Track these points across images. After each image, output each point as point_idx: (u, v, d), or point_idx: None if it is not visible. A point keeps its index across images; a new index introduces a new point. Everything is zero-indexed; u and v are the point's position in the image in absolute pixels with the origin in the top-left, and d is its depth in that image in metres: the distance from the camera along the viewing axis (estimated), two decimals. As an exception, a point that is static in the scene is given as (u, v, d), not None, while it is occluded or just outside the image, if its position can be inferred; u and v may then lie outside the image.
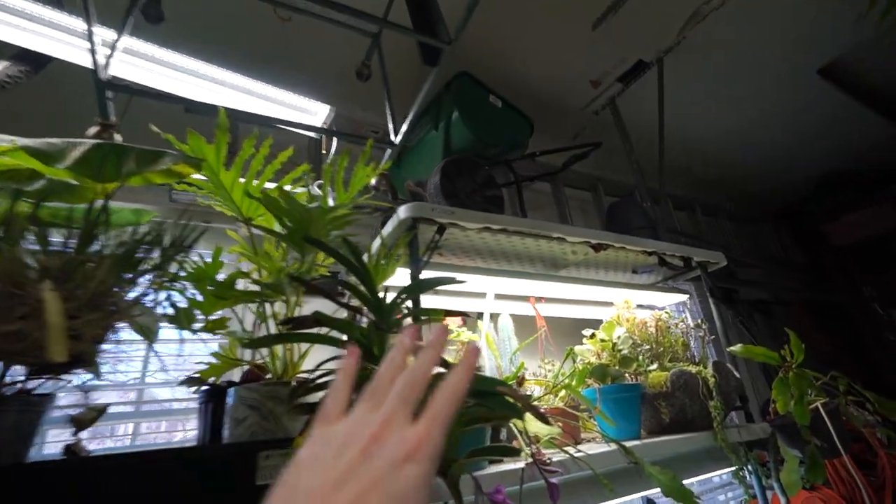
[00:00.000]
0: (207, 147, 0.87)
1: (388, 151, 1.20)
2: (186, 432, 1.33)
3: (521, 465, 0.86)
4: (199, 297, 0.85)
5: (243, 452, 0.75)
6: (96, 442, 1.27)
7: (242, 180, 0.89)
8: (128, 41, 1.07)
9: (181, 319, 0.86)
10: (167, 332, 0.87)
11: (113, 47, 1.01)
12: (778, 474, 1.36)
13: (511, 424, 1.11)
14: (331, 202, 0.95)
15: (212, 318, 0.90)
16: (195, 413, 1.08)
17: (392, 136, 1.21)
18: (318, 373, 0.87)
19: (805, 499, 1.81)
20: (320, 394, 0.79)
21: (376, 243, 1.10)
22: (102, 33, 1.07)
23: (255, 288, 0.88)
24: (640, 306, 1.71)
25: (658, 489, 1.01)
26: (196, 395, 0.94)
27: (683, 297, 1.66)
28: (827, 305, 3.16)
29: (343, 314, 0.82)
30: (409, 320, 0.99)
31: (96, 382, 0.70)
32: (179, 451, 0.68)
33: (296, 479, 0.28)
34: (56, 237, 0.67)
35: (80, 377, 0.68)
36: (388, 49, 1.45)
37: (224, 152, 0.89)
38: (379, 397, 0.32)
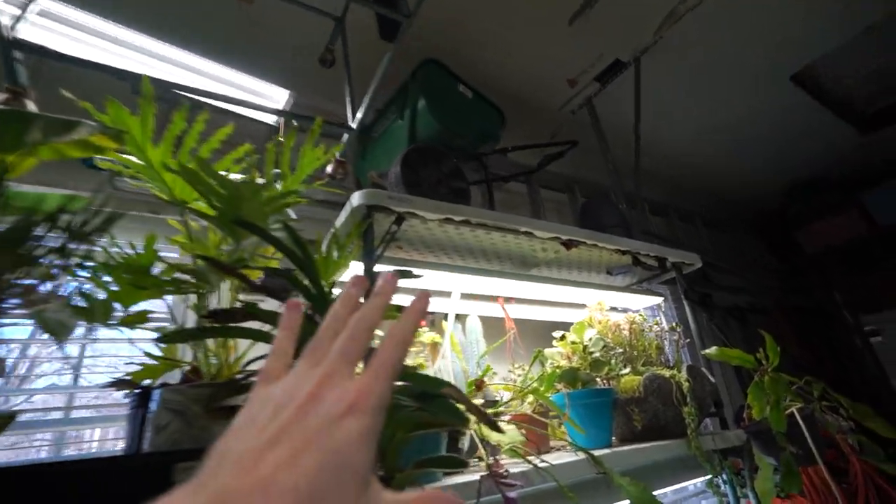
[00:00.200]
0: (131, 119, 0.77)
1: (346, 136, 1.11)
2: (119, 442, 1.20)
3: (478, 476, 0.78)
4: (115, 287, 0.74)
5: (152, 465, 0.65)
6: (17, 452, 1.14)
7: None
8: (53, 6, 0.96)
9: (94, 312, 0.76)
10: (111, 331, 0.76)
11: (24, 7, 0.91)
12: (752, 482, 1.30)
13: (472, 432, 1.02)
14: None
15: (132, 310, 0.79)
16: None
17: (350, 121, 1.12)
18: (246, 372, 0.77)
19: (779, 507, 1.76)
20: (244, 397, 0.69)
21: (330, 235, 1.01)
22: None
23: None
24: (614, 309, 1.65)
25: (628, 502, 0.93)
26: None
27: (658, 300, 1.60)
28: (800, 311, 3.17)
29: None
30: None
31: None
32: (62, 464, 0.57)
33: (227, 444, 0.25)
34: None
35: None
36: (354, 38, 1.36)
37: (151, 125, 0.78)
38: (320, 353, 0.29)
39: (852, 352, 3.13)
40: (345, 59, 1.22)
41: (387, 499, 0.26)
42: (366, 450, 0.25)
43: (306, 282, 0.82)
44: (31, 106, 0.82)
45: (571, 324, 1.40)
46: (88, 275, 0.73)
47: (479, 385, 0.93)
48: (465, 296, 1.40)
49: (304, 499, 0.21)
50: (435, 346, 1.26)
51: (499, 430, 0.53)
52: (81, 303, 0.75)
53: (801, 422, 1.23)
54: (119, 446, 1.26)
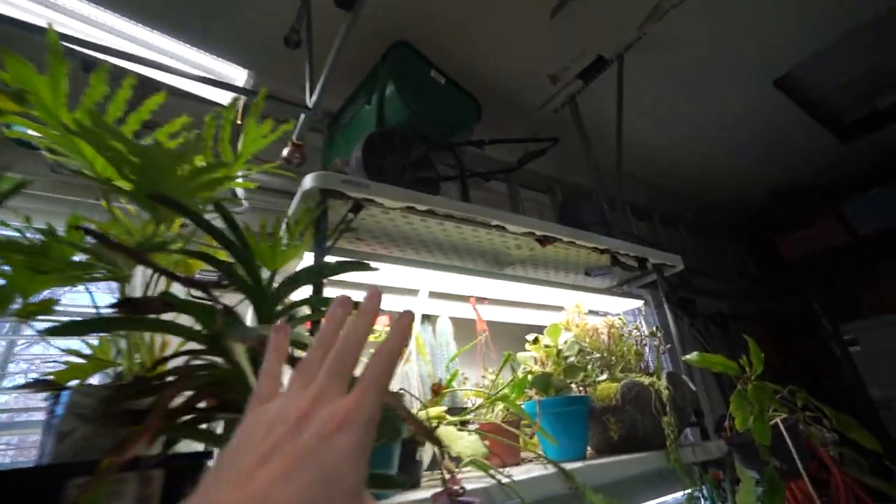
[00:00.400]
0: (38, 78, 0.66)
1: (302, 117, 1.02)
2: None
3: (430, 494, 0.68)
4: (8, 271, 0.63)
5: (38, 481, 0.54)
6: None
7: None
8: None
9: (-17, 301, 0.64)
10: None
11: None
12: (734, 495, 1.23)
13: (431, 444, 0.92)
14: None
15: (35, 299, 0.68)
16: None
17: (307, 100, 1.02)
18: (159, 371, 0.66)
19: (760, 521, 1.69)
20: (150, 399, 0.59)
21: (275, 221, 0.90)
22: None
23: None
24: (593, 312, 1.57)
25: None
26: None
27: (638, 303, 1.52)
28: (779, 319, 3.14)
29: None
30: (304, 312, 0.80)
31: None
32: None
33: (222, 462, 0.26)
34: None
35: None
36: (321, 19, 1.26)
37: (64, 87, 0.68)
38: (310, 373, 0.30)
39: (830, 360, 3.10)
40: (307, 33, 1.13)
41: None
42: (357, 465, 0.25)
43: (241, 270, 0.73)
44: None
45: (547, 327, 1.32)
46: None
47: (434, 390, 0.84)
48: (435, 295, 1.30)
49: None
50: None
51: (437, 442, 0.44)
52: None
53: (785, 433, 1.16)
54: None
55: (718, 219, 3.31)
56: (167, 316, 0.61)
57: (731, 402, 0.98)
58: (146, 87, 1.26)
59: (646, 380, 1.16)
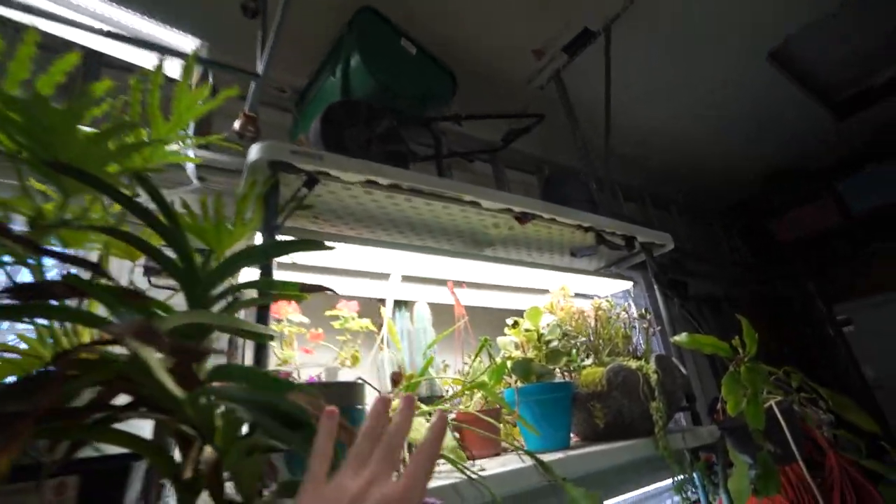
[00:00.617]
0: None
1: (253, 86, 0.92)
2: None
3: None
4: None
5: None
6: None
7: None
8: None
9: None
10: None
11: None
12: (726, 481, 1.16)
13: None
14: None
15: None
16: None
17: (258, 67, 0.92)
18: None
19: (753, 505, 1.63)
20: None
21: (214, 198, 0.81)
22: None
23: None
24: (580, 295, 1.49)
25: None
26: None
27: (627, 285, 1.44)
28: (773, 301, 3.07)
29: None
30: (251, 295, 0.72)
31: None
32: None
33: None
34: None
35: None
36: None
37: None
38: (362, 459, 0.36)
39: (824, 342, 3.05)
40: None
41: None
42: None
43: (169, 251, 0.64)
44: None
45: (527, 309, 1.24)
46: None
47: (394, 379, 0.75)
48: (410, 279, 1.22)
49: None
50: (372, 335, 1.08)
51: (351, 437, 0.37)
52: None
53: (779, 416, 1.09)
54: None
55: (711, 201, 3.22)
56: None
57: (723, 384, 0.90)
58: (90, 60, 1.16)
59: (633, 364, 1.09)
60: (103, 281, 0.53)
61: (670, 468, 1.10)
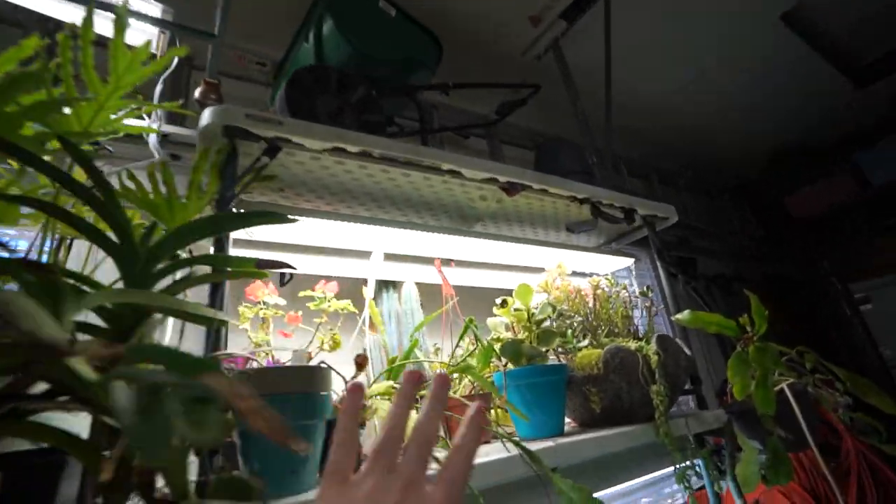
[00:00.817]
0: None
1: (211, 49, 0.84)
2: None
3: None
4: None
5: None
6: None
7: None
8: None
9: None
10: None
11: None
12: (733, 468, 1.08)
13: (376, 422, 0.77)
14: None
15: None
16: None
17: (215, 28, 0.84)
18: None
19: (763, 492, 1.55)
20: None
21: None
22: None
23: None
24: (578, 274, 1.40)
25: None
26: None
27: (628, 262, 1.35)
28: (786, 280, 2.95)
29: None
30: (196, 272, 0.65)
31: None
32: None
33: None
34: None
35: None
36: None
37: None
38: (392, 455, 0.31)
39: (839, 321, 2.92)
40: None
41: None
42: None
43: (101, 224, 0.57)
44: None
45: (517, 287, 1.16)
46: None
47: (358, 362, 0.68)
48: (397, 258, 1.14)
49: None
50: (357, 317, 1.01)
51: (281, 437, 0.30)
52: None
53: (792, 400, 1.00)
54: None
55: (720, 175, 3.07)
56: None
57: (729, 366, 0.82)
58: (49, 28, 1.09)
59: (632, 345, 1.00)
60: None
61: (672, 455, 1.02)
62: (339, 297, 0.96)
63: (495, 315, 1.04)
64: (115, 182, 0.64)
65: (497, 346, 0.94)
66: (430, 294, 1.25)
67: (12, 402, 0.45)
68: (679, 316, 0.90)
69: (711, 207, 2.97)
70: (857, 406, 1.31)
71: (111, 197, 0.56)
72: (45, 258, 0.57)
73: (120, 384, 0.33)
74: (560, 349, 1.08)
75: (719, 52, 2.07)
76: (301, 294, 0.89)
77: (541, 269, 1.29)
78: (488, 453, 0.76)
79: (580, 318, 1.13)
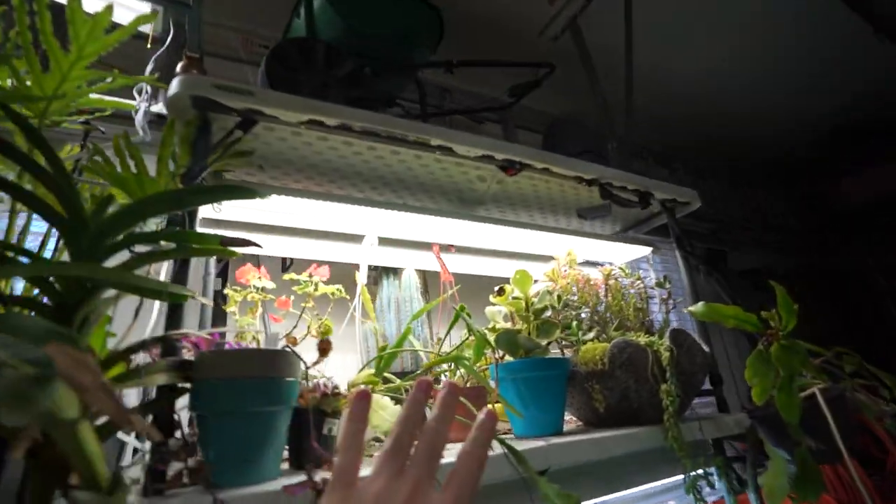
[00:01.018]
0: None
1: (188, 21, 0.80)
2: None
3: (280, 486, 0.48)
4: None
5: None
6: None
7: None
8: None
9: None
10: None
11: None
12: (755, 478, 0.97)
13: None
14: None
15: None
16: None
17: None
18: None
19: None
20: None
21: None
22: None
23: None
24: (590, 263, 1.31)
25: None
26: None
27: (645, 251, 1.25)
28: (826, 276, 2.71)
29: None
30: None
31: None
32: None
33: None
34: None
35: None
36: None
37: None
38: (400, 459, 0.31)
39: (885, 321, 2.66)
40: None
41: None
42: None
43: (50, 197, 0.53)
44: None
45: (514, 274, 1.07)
46: None
47: (321, 348, 0.63)
48: (394, 242, 1.08)
49: None
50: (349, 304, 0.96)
51: (128, 423, 0.24)
52: None
53: (824, 406, 0.89)
54: None
55: (757, 164, 2.85)
56: None
57: (747, 366, 0.71)
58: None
59: (642, 339, 0.91)
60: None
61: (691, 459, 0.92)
62: (333, 282, 0.91)
63: (493, 304, 0.97)
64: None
65: (492, 337, 0.87)
66: (434, 282, 1.19)
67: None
68: (693, 308, 0.81)
69: (745, 196, 2.77)
70: (904, 415, 1.16)
71: (58, 167, 0.52)
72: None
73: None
74: (564, 342, 1.00)
75: (757, 25, 1.89)
76: (285, 277, 0.85)
77: (551, 258, 1.21)
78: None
79: (588, 310, 1.04)
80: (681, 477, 0.90)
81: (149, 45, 1.03)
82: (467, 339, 0.87)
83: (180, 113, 0.67)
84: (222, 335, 0.97)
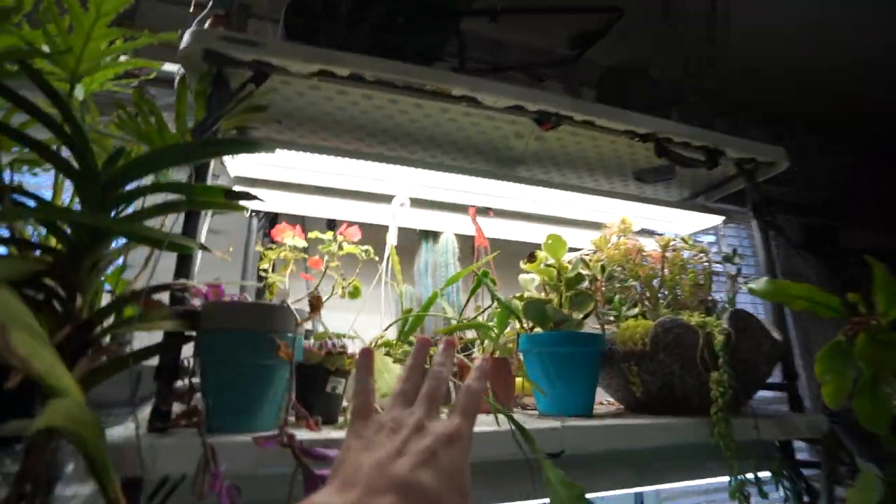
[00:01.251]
0: None
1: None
2: None
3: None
4: None
5: None
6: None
7: None
8: None
9: None
10: None
11: None
12: (830, 491, 0.81)
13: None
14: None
15: None
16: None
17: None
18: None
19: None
20: None
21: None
22: None
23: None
24: (648, 232, 1.16)
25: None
26: None
27: (717, 220, 1.07)
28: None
29: None
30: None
31: None
32: None
33: (356, 458, 0.31)
34: None
35: None
36: None
37: None
38: (409, 398, 0.38)
39: None
40: None
41: None
42: (467, 469, 0.33)
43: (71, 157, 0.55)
44: None
45: (582, 249, 0.97)
46: None
47: (312, 304, 0.60)
48: (429, 204, 1.03)
49: (434, 493, 0.28)
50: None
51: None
52: None
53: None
54: None
55: (878, 126, 2.32)
56: None
57: (817, 360, 0.57)
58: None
59: (695, 319, 0.78)
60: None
61: (746, 458, 0.79)
62: (371, 244, 0.89)
63: (525, 271, 0.89)
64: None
65: (519, 306, 0.80)
66: (471, 247, 1.13)
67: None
68: (753, 285, 0.66)
69: (861, 165, 2.28)
70: None
71: (71, 119, 0.54)
72: None
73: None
74: (606, 317, 0.89)
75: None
76: (310, 236, 0.85)
77: (600, 225, 1.08)
78: (478, 423, 0.64)
79: (638, 284, 0.92)
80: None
81: (190, 10, 1.05)
82: (489, 307, 0.81)
83: (194, 67, 0.66)
84: (247, 289, 1.00)
